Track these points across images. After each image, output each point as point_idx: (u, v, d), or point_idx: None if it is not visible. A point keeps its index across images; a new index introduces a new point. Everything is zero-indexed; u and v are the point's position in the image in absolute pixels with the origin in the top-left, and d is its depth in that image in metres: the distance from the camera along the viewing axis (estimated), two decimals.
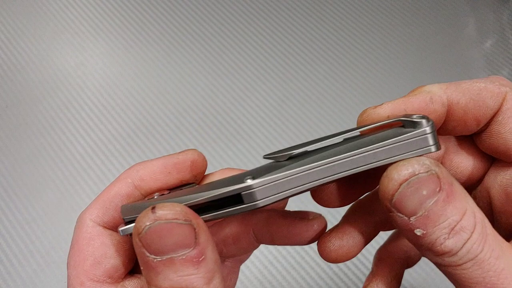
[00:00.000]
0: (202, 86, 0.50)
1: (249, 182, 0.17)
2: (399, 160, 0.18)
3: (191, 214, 0.17)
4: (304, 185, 0.17)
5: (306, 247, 0.41)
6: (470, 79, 0.20)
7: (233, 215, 0.18)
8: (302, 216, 0.22)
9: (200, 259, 0.17)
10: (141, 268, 0.18)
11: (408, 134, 0.17)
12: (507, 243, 0.18)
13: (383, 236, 0.24)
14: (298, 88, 0.50)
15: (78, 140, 0.47)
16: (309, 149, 0.19)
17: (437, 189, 0.17)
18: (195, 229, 0.17)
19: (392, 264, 0.23)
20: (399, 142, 0.17)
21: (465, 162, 0.21)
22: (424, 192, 0.17)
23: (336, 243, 0.21)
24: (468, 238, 0.17)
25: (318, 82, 0.51)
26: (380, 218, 0.22)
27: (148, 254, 0.17)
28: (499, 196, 0.20)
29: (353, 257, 0.22)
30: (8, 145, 0.46)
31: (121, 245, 0.20)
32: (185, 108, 0.49)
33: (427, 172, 0.17)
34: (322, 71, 0.52)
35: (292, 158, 0.18)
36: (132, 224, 0.18)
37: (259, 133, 0.47)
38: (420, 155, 0.18)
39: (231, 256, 0.23)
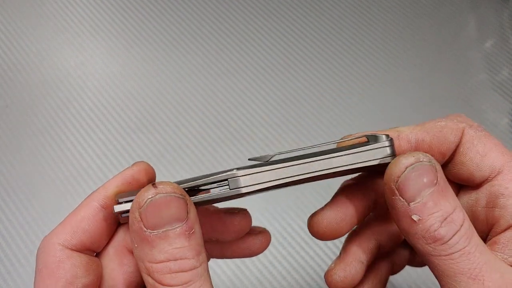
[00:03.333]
0: (202, 86, 0.50)
1: (235, 171, 0.20)
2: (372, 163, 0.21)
3: (184, 191, 0.20)
4: (279, 180, 0.21)
5: (306, 247, 0.41)
6: (433, 120, 0.23)
7: (218, 199, 0.20)
8: (249, 231, 0.25)
9: (191, 232, 0.19)
10: (135, 246, 0.19)
11: (372, 145, 0.21)
12: (485, 244, 0.20)
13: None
14: (298, 88, 0.50)
15: (78, 140, 0.47)
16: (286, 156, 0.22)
17: (434, 181, 0.19)
18: (187, 204, 0.19)
19: (359, 249, 0.25)
20: (363, 150, 0.21)
21: None
22: (425, 180, 0.19)
23: (342, 275, 0.24)
24: (458, 230, 0.19)
25: (318, 82, 0.51)
26: (373, 244, 0.25)
27: (145, 229, 0.19)
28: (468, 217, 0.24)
29: (357, 283, 0.25)
30: (8, 145, 0.46)
31: (90, 265, 0.21)
32: (185, 108, 0.49)
33: (429, 162, 0.20)
34: (323, 71, 0.52)
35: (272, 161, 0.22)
36: (128, 203, 0.21)
37: (259, 133, 0.47)
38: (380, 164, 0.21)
39: None
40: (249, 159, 0.22)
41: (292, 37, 0.54)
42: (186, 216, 0.19)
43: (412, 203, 0.19)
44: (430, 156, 0.20)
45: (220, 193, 0.20)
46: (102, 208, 0.22)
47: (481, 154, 0.22)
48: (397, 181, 0.20)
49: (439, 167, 0.20)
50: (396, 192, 0.20)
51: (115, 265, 0.23)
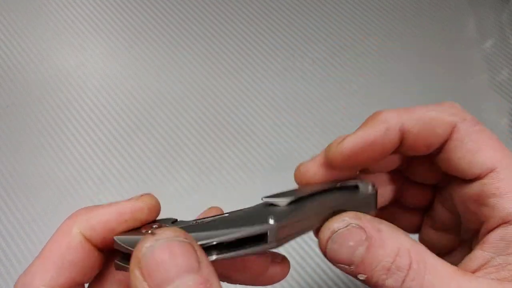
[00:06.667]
0: (202, 86, 0.50)
1: (272, 222, 0.17)
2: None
3: (190, 237, 0.16)
4: (309, 228, 0.20)
5: (306, 247, 0.41)
6: (425, 106, 0.22)
7: (251, 254, 0.17)
8: (273, 258, 0.23)
9: (207, 286, 0.15)
10: None
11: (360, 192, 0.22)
12: (454, 268, 0.19)
13: None
14: (298, 87, 0.50)
15: (78, 140, 0.47)
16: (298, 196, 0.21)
17: (363, 238, 0.19)
18: (195, 250, 0.16)
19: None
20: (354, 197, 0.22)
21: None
22: (351, 243, 0.19)
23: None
24: (406, 276, 0.18)
25: (319, 82, 0.51)
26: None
27: None
28: (459, 206, 0.23)
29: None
30: (8, 145, 0.46)
31: None
32: (185, 108, 0.49)
33: (346, 226, 0.19)
34: (323, 71, 0.52)
35: (289, 204, 0.20)
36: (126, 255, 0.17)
37: (259, 133, 0.47)
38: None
39: None
40: (263, 198, 0.20)
41: (292, 37, 0.54)
42: (198, 265, 0.15)
43: (352, 266, 0.19)
44: (349, 216, 0.20)
45: (254, 248, 0.17)
46: (85, 240, 0.18)
47: (472, 152, 0.21)
48: (326, 256, 0.20)
49: (364, 221, 0.20)
50: (333, 262, 0.20)
51: None
